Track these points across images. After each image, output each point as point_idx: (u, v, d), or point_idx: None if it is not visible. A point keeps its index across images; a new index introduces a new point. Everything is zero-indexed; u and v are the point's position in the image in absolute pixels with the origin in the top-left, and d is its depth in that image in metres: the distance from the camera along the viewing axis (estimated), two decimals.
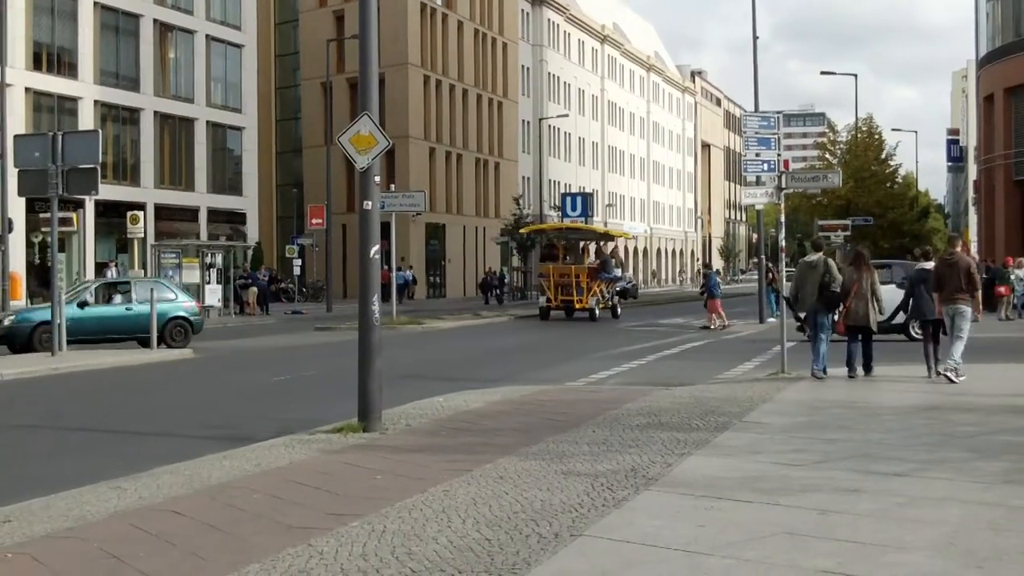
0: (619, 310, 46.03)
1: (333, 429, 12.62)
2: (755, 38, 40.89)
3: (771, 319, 38.09)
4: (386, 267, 67.10)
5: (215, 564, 7.12)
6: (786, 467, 10.07)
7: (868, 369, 18.69)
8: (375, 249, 12.84)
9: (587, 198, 64.01)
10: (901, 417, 13.39)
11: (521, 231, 60.61)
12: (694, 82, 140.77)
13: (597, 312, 43.19)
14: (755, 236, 70.93)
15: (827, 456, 10.62)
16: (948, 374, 17.36)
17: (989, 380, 18.07)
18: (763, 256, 42.88)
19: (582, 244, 49.73)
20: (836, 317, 18.54)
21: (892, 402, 15.04)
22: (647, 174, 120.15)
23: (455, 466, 10.26)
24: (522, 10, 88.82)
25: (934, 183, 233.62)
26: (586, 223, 56.66)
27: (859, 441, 11.54)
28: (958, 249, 18.28)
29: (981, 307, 18.49)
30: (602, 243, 50.58)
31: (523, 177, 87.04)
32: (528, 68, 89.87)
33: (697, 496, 8.82)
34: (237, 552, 7.37)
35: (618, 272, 37.67)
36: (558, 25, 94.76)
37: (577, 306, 43.29)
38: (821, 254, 18.88)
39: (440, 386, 17.77)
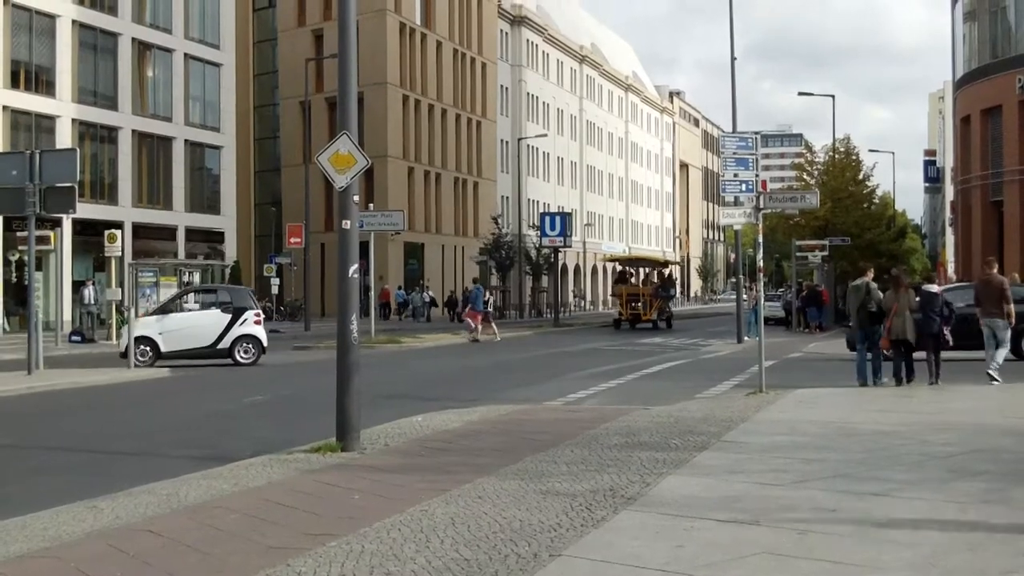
0: (672, 322, 56.67)
1: (311, 448, 12.57)
2: (733, 59, 41.06)
3: (747, 337, 38.25)
4: (387, 286, 67.65)
5: None
6: (765, 487, 10.07)
7: (909, 378, 20.52)
8: (354, 268, 12.83)
9: (566, 218, 64.20)
10: (880, 437, 13.41)
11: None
12: (672, 102, 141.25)
13: (660, 324, 54.15)
14: (733, 256, 71.25)
15: (806, 476, 10.63)
16: (992, 373, 20.12)
17: (967, 400, 18.15)
18: (740, 276, 43.14)
19: (645, 270, 62.45)
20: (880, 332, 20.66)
21: (871, 422, 15.06)
22: (625, 194, 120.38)
23: (434, 486, 10.23)
24: (501, 30, 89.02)
25: (911, 203, 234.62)
26: (565, 243, 59.92)
27: (838, 461, 11.55)
28: (994, 271, 20.99)
29: (1013, 319, 20.89)
30: (662, 268, 63.47)
31: (502, 196, 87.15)
32: (507, 88, 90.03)
33: (676, 516, 8.81)
34: (214, 572, 7.34)
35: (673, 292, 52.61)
36: (536, 45, 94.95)
37: (643, 318, 53.97)
38: (866, 279, 21.08)
39: (418, 405, 17.74)
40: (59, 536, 8.45)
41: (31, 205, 23.98)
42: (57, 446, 14.70)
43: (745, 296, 42.17)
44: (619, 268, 63.25)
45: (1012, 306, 20.85)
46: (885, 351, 20.62)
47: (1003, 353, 20.48)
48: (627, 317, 54.33)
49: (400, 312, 68.34)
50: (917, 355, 20.80)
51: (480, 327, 41.90)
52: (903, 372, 20.57)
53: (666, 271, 63.88)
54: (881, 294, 20.94)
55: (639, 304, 54.42)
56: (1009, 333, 20.71)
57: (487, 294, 45.60)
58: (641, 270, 63.21)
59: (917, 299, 20.32)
